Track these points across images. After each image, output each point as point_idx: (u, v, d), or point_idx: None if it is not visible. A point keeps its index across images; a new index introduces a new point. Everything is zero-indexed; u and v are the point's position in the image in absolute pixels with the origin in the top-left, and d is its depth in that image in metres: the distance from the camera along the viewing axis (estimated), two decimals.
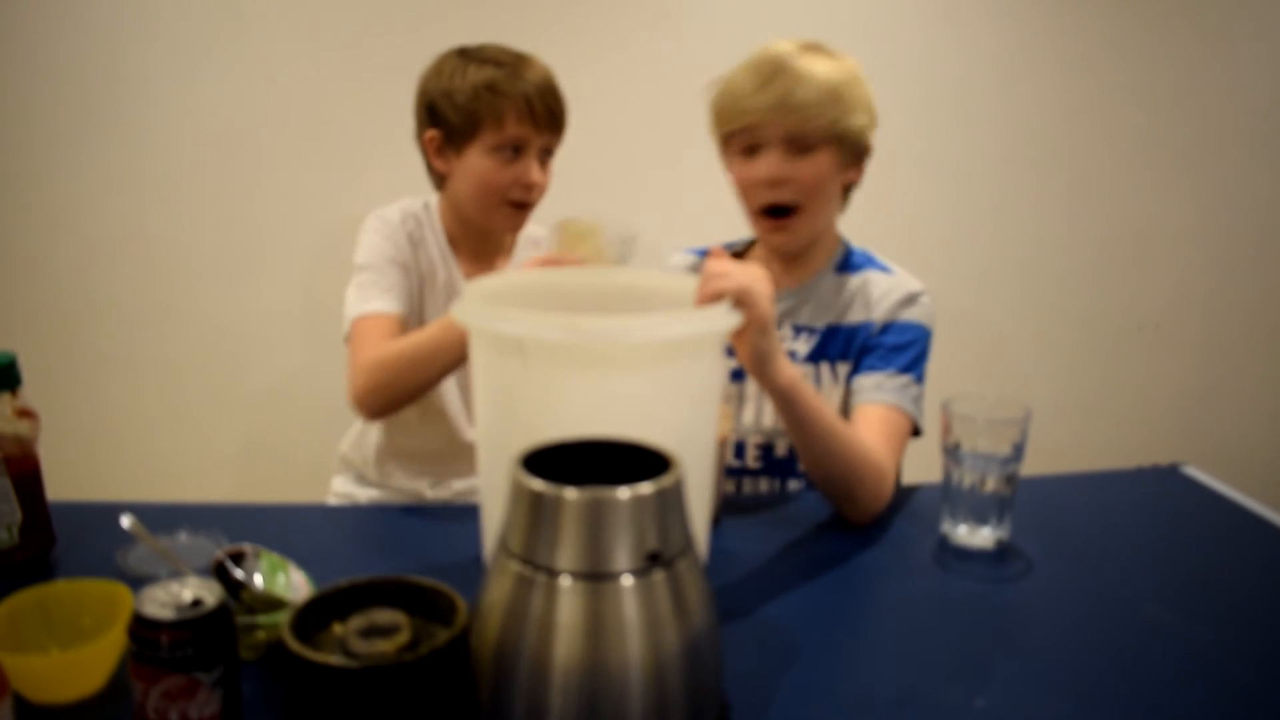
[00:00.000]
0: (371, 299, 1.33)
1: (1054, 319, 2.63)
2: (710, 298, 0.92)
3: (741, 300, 0.92)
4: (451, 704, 0.69)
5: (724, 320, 0.89)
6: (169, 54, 2.26)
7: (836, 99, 1.18)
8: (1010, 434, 1.03)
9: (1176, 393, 2.70)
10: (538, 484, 0.64)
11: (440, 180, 1.43)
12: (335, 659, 0.66)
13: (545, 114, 1.35)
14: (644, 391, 0.85)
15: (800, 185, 1.21)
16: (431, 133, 1.37)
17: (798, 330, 1.30)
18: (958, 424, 1.05)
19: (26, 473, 0.97)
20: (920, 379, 1.23)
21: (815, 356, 1.28)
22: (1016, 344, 2.64)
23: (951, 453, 1.06)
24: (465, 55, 1.36)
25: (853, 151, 1.24)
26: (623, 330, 0.81)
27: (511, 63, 1.35)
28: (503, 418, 0.89)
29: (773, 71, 1.18)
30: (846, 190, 1.30)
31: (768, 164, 1.20)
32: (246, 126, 2.30)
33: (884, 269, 1.32)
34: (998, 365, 2.61)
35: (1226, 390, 2.72)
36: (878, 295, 1.28)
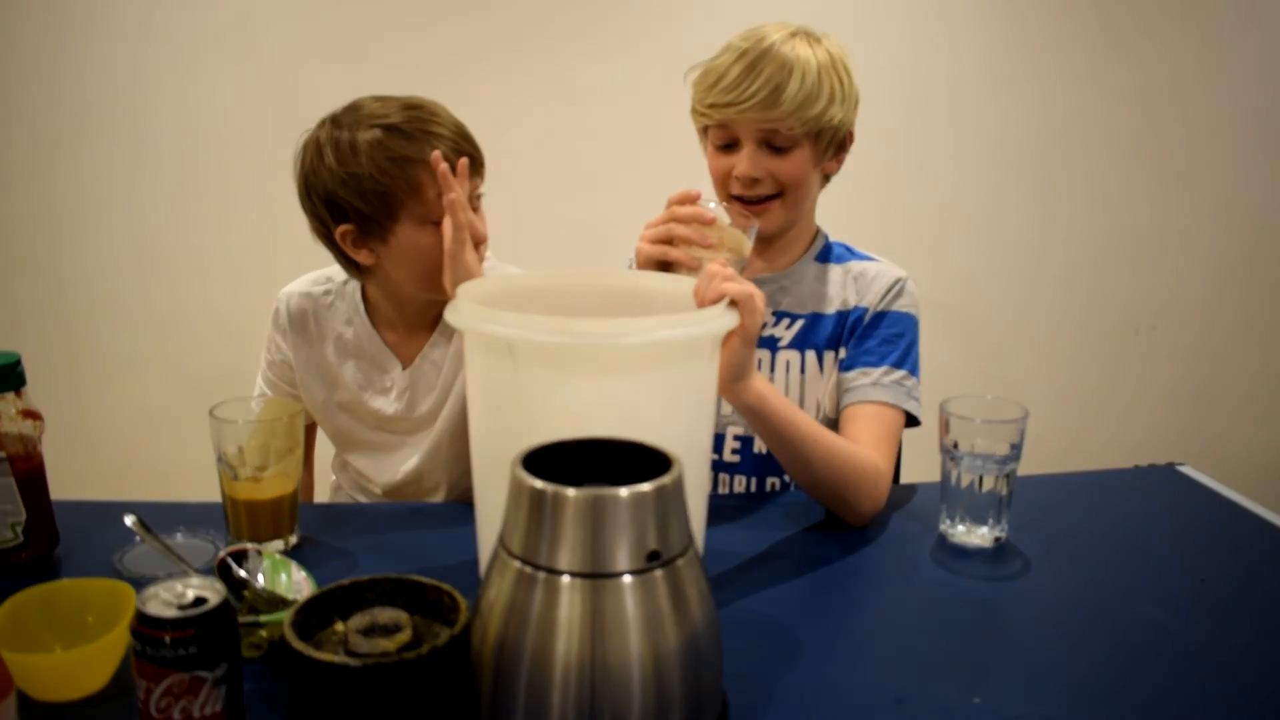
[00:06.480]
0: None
1: (1050, 319, 2.64)
2: (717, 297, 0.91)
3: (744, 304, 0.91)
4: (453, 702, 0.69)
5: (719, 322, 0.88)
6: (173, 55, 2.26)
7: (818, 96, 1.16)
8: (1008, 434, 1.04)
9: (1173, 393, 2.71)
10: (538, 483, 0.65)
11: (365, 270, 1.25)
12: (337, 657, 0.67)
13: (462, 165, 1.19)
14: (639, 394, 0.84)
15: (778, 181, 1.20)
16: (344, 228, 1.20)
17: (779, 316, 1.29)
18: (956, 424, 1.05)
19: (30, 472, 0.98)
20: (914, 369, 1.24)
21: (799, 344, 1.27)
22: (1013, 344, 2.64)
23: (950, 452, 1.06)
24: (342, 125, 1.19)
25: (832, 143, 1.23)
26: (615, 333, 0.80)
27: (403, 119, 1.17)
28: (496, 421, 0.88)
29: (758, 60, 1.15)
30: (825, 178, 1.29)
31: (745, 162, 1.19)
32: (251, 126, 2.30)
33: (866, 257, 1.32)
34: (994, 365, 2.62)
35: (1222, 390, 2.73)
36: (866, 280, 1.28)
